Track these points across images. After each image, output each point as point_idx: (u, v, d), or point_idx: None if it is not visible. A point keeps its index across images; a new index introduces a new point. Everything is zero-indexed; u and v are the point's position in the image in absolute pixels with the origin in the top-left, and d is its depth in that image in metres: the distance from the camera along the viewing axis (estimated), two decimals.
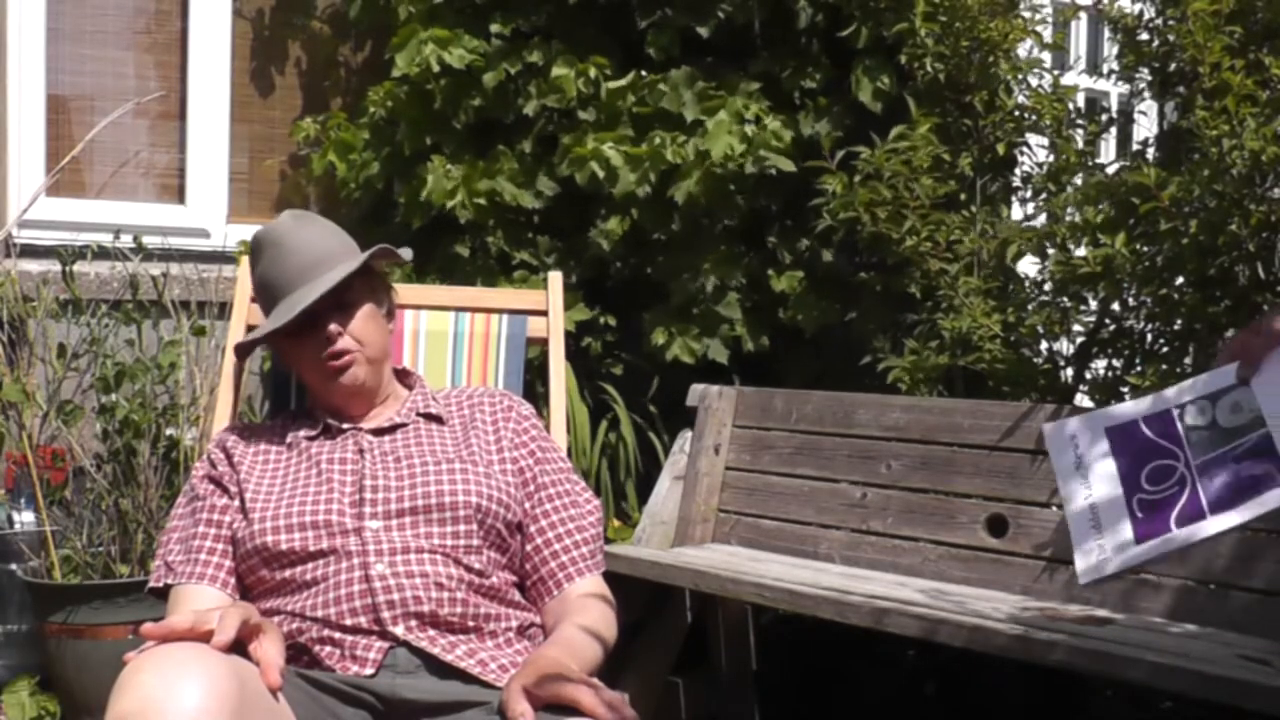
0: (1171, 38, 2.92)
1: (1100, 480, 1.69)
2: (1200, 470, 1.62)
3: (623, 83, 3.61)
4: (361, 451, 1.84)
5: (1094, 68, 3.46)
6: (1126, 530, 1.65)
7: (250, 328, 2.29)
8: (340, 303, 1.88)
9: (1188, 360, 2.89)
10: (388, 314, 1.98)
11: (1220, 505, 1.60)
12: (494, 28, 3.73)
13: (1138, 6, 3.06)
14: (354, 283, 1.89)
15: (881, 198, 3.14)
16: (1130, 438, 1.69)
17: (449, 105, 3.73)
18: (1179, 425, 1.65)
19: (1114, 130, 3.40)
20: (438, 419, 1.92)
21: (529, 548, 1.83)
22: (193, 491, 1.87)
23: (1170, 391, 1.69)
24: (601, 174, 3.53)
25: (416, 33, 3.69)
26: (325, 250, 1.90)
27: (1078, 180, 3.14)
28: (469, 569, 1.74)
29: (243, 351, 2.03)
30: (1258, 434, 1.58)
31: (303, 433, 1.91)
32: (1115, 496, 1.67)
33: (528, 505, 1.85)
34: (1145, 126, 3.28)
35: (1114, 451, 1.69)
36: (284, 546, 1.73)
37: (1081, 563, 1.67)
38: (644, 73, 3.63)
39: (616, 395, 3.66)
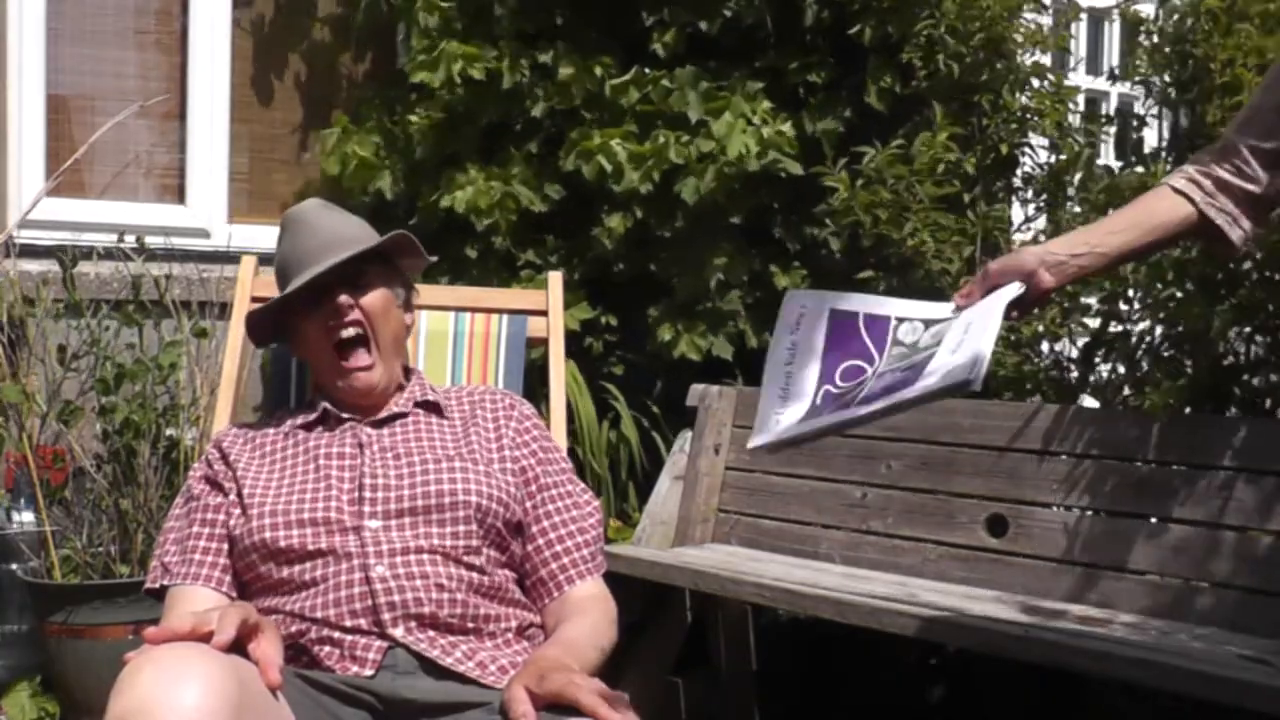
0: (1191, 37, 2.91)
1: (805, 357, 1.72)
2: (877, 378, 1.65)
3: (626, 78, 3.62)
4: (361, 446, 1.84)
5: (1096, 69, 3.46)
6: (802, 411, 1.69)
7: None
8: (354, 281, 1.88)
9: (1188, 361, 2.89)
10: (404, 306, 1.97)
11: (865, 401, 1.64)
12: (502, 34, 3.73)
13: (1152, 9, 3.06)
14: (370, 268, 1.90)
15: (881, 200, 3.14)
16: (847, 329, 1.72)
17: (468, 116, 3.74)
18: (889, 336, 1.69)
19: (1113, 130, 3.40)
20: (437, 409, 1.92)
21: (530, 548, 1.83)
22: (188, 492, 1.86)
23: (898, 302, 1.73)
24: (609, 168, 3.53)
25: (444, 48, 3.68)
26: (347, 234, 1.92)
27: (1078, 179, 3.14)
28: (469, 568, 1.74)
29: (253, 324, 2.00)
30: (926, 353, 1.63)
31: (300, 421, 1.90)
32: (810, 378, 1.70)
33: (529, 505, 1.84)
34: (1153, 129, 3.27)
35: (829, 334, 1.72)
36: (283, 543, 1.73)
37: (758, 434, 1.71)
38: (646, 69, 3.64)
39: (618, 394, 3.66)
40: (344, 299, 1.86)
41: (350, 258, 1.87)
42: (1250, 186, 1.72)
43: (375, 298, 1.90)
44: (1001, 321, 1.64)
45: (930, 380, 1.60)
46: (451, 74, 3.66)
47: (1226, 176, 1.72)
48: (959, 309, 1.69)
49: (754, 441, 1.72)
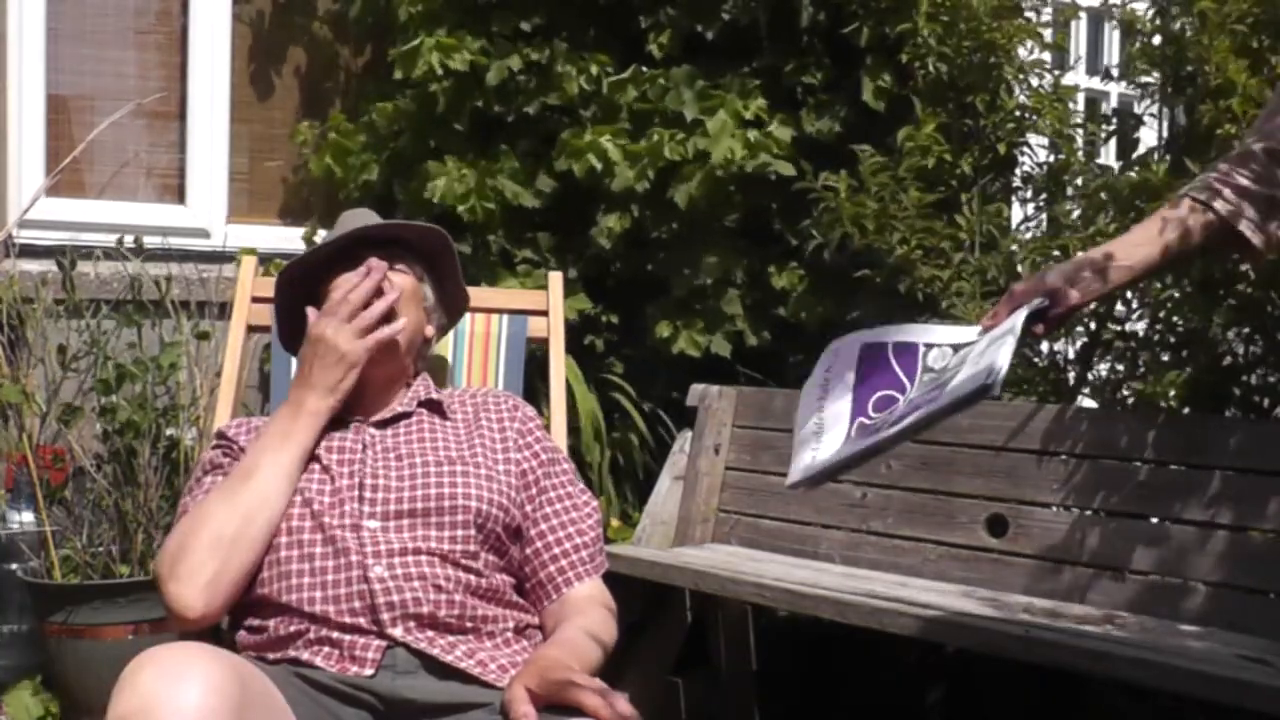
0: (1184, 39, 2.91)
1: (838, 392, 1.73)
2: (909, 405, 1.66)
3: (624, 75, 3.62)
4: (364, 446, 1.84)
5: (1095, 69, 3.46)
6: (837, 445, 1.69)
7: (251, 328, 2.29)
8: (390, 260, 1.91)
9: (1189, 362, 2.89)
10: (428, 314, 2.00)
11: (894, 423, 1.65)
12: (495, 28, 3.73)
13: (1149, 9, 3.06)
14: (409, 257, 1.96)
15: (868, 210, 3.15)
16: (878, 361, 1.73)
17: (452, 108, 3.74)
18: (919, 363, 1.69)
19: (1109, 128, 3.40)
20: (440, 409, 1.92)
21: (528, 551, 1.83)
22: (202, 467, 1.88)
23: (926, 328, 1.74)
24: (599, 167, 3.53)
25: (422, 41, 3.68)
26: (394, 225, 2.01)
27: (1079, 181, 3.14)
28: (467, 570, 1.74)
29: (284, 281, 1.99)
30: (952, 374, 1.64)
31: None
32: (843, 413, 1.70)
33: (529, 508, 1.84)
34: (1151, 128, 3.28)
35: (860, 367, 1.73)
36: (282, 537, 1.73)
37: (795, 472, 1.71)
38: (644, 68, 3.64)
39: (628, 389, 3.66)
40: (375, 260, 1.88)
41: (392, 238, 1.94)
42: (1271, 191, 1.72)
43: (408, 280, 1.93)
44: (1022, 330, 1.65)
45: (950, 392, 1.62)
46: (431, 65, 3.66)
47: (1246, 183, 1.72)
48: (985, 330, 1.70)
49: (791, 479, 1.73)
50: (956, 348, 1.70)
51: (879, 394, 1.71)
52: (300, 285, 1.96)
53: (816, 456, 1.70)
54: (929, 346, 1.71)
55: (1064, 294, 1.70)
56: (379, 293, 1.86)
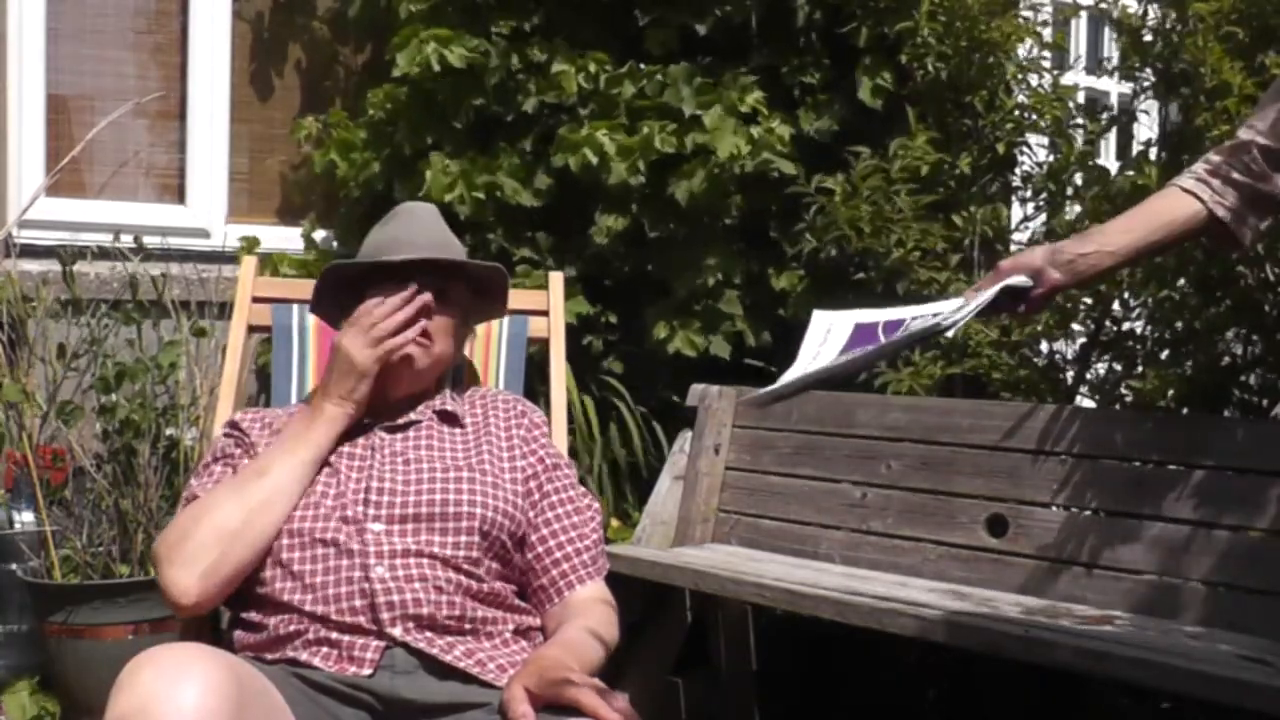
0: (1174, 38, 2.92)
1: (826, 356, 1.78)
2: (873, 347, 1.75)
3: (621, 71, 3.62)
4: (373, 449, 1.84)
5: (1096, 67, 3.46)
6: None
7: (251, 328, 2.29)
8: (439, 290, 1.88)
9: (1188, 362, 2.89)
10: (463, 340, 2.00)
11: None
12: (494, 28, 3.73)
13: (1141, 7, 3.05)
14: (456, 286, 1.92)
15: (863, 214, 3.15)
16: (867, 332, 1.80)
17: (450, 104, 3.73)
18: (903, 327, 1.77)
19: (1114, 130, 3.40)
20: (454, 419, 1.92)
21: (530, 556, 1.83)
22: (210, 458, 1.88)
23: (918, 306, 1.82)
24: (595, 161, 3.52)
25: (417, 33, 3.68)
26: (453, 242, 1.96)
27: (1078, 180, 3.14)
28: (469, 575, 1.74)
29: (331, 274, 1.94)
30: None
31: None
32: (824, 367, 1.76)
33: (531, 514, 1.84)
34: (1147, 126, 3.28)
35: (850, 340, 1.80)
36: (284, 539, 1.74)
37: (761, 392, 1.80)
38: (641, 65, 3.64)
39: (623, 390, 3.65)
40: (426, 295, 1.85)
41: (448, 265, 1.89)
42: (1259, 185, 1.73)
43: (447, 316, 1.90)
44: (999, 302, 1.72)
45: (908, 328, 1.72)
46: (427, 59, 3.65)
47: (1235, 175, 1.73)
48: (968, 301, 1.74)
49: (753, 395, 1.79)
50: (937, 314, 1.75)
51: (858, 348, 1.77)
52: (348, 286, 1.93)
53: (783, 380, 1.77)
54: (915, 318, 1.76)
55: (1047, 275, 1.74)
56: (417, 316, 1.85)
